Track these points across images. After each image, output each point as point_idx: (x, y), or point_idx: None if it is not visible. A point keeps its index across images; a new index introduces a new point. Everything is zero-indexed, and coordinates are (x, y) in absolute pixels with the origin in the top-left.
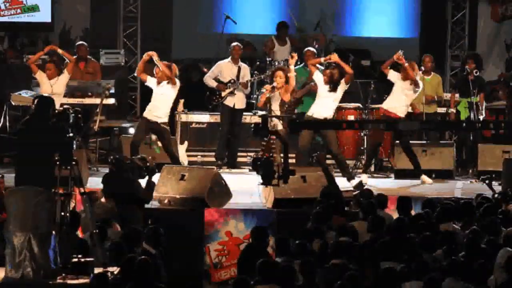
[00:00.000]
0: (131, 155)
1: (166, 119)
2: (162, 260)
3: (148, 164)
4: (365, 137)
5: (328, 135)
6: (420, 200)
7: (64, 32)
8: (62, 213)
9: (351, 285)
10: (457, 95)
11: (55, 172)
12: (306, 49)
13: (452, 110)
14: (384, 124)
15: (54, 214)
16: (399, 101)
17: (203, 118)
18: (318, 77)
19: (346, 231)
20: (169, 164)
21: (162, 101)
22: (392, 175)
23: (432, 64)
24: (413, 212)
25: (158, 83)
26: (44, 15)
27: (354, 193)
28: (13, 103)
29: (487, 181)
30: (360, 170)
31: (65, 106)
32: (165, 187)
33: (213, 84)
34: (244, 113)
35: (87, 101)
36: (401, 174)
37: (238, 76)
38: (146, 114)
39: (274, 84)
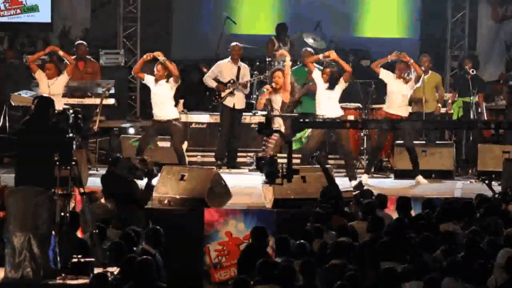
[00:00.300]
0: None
1: (177, 114)
2: (162, 260)
3: (148, 166)
4: (365, 137)
5: (342, 132)
6: (420, 200)
7: (64, 32)
8: (62, 213)
9: (351, 285)
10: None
11: (55, 172)
12: (304, 49)
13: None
14: (387, 124)
15: (54, 214)
16: (397, 102)
17: (203, 118)
18: (317, 75)
19: (346, 231)
20: (169, 165)
21: (164, 99)
22: (392, 175)
23: (429, 64)
24: (413, 212)
25: (157, 81)
26: (44, 15)
27: (354, 193)
28: (13, 103)
29: (487, 181)
30: (361, 170)
31: (64, 107)
32: (165, 187)
33: (213, 84)
34: (244, 113)
35: (87, 101)
36: (401, 174)
37: (237, 76)
38: (156, 115)
39: (273, 84)
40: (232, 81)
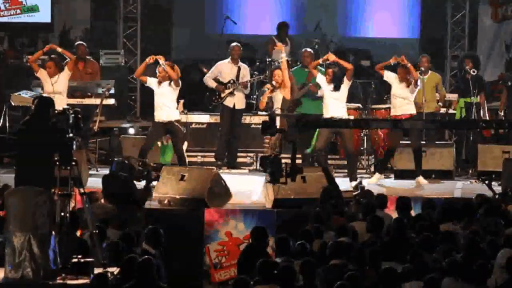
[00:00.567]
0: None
1: (178, 116)
2: (162, 260)
3: (147, 169)
4: (365, 137)
5: (345, 132)
6: (420, 200)
7: (64, 32)
8: (62, 213)
9: (351, 285)
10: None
11: (55, 172)
12: (303, 49)
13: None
14: (391, 123)
15: (54, 214)
16: (401, 104)
17: (203, 118)
18: (321, 79)
19: (346, 231)
20: (175, 164)
21: (167, 100)
22: (392, 175)
23: (429, 64)
24: (413, 213)
25: (159, 83)
26: (44, 16)
27: (354, 193)
28: (13, 103)
29: (487, 182)
30: (361, 171)
31: (64, 106)
32: (165, 188)
33: (213, 84)
34: (244, 114)
35: (87, 101)
36: (401, 174)
37: (237, 77)
38: (158, 117)
39: (273, 83)
40: (232, 81)
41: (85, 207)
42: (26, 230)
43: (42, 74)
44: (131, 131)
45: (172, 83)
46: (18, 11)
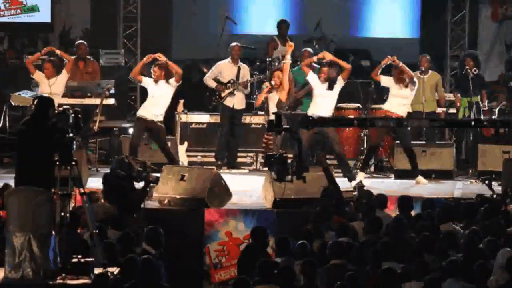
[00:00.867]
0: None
1: (162, 118)
2: (162, 260)
3: (147, 171)
4: (365, 137)
5: (330, 135)
6: (420, 200)
7: (64, 32)
8: (62, 213)
9: (351, 285)
10: (458, 94)
11: (55, 172)
12: (303, 49)
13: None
14: (394, 122)
15: (54, 214)
16: (398, 104)
17: (203, 118)
18: (313, 78)
19: (346, 231)
20: (169, 164)
21: (161, 100)
22: (392, 176)
23: (429, 64)
24: (413, 213)
25: (156, 82)
26: (44, 15)
27: (354, 193)
28: (13, 103)
29: (487, 182)
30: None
31: (64, 107)
32: (165, 187)
33: (213, 84)
34: (244, 113)
35: (87, 101)
36: (401, 174)
37: (237, 77)
38: (143, 113)
39: (272, 82)
40: (232, 81)
41: (85, 207)
42: (26, 230)
43: (38, 75)
44: (131, 131)
45: (171, 80)
46: (18, 11)
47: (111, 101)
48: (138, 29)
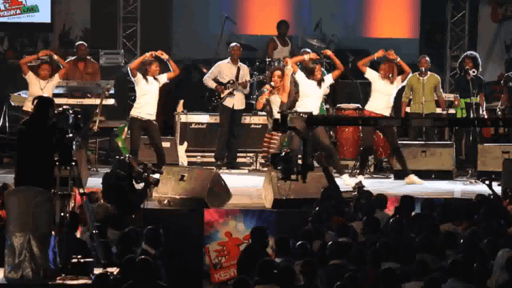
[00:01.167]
0: None
1: (155, 116)
2: (162, 260)
3: (147, 172)
4: None
5: (317, 131)
6: (420, 200)
7: (64, 33)
8: (62, 213)
9: (351, 285)
10: (457, 95)
11: (55, 172)
12: (303, 50)
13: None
14: (399, 121)
15: (54, 214)
16: (383, 102)
17: (202, 118)
18: (301, 76)
19: (346, 231)
20: (168, 165)
21: (153, 98)
22: (392, 175)
23: (428, 65)
24: (413, 213)
25: (146, 80)
26: (43, 16)
27: (354, 193)
28: (13, 104)
29: (487, 182)
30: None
31: (64, 107)
32: (165, 188)
33: (212, 84)
34: (244, 114)
35: (87, 101)
36: (400, 175)
37: (237, 77)
38: (137, 113)
39: (272, 83)
40: (231, 81)
41: (85, 207)
42: (26, 230)
43: (30, 76)
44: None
45: (160, 76)
46: (18, 11)
47: (111, 101)
48: (138, 29)
